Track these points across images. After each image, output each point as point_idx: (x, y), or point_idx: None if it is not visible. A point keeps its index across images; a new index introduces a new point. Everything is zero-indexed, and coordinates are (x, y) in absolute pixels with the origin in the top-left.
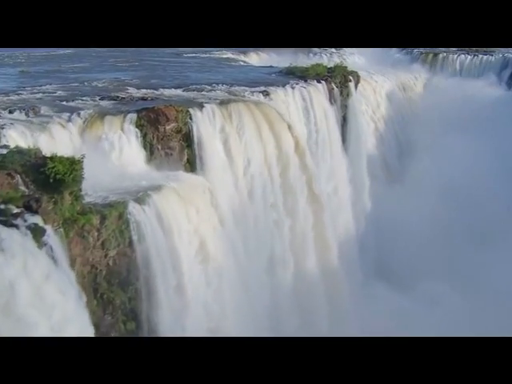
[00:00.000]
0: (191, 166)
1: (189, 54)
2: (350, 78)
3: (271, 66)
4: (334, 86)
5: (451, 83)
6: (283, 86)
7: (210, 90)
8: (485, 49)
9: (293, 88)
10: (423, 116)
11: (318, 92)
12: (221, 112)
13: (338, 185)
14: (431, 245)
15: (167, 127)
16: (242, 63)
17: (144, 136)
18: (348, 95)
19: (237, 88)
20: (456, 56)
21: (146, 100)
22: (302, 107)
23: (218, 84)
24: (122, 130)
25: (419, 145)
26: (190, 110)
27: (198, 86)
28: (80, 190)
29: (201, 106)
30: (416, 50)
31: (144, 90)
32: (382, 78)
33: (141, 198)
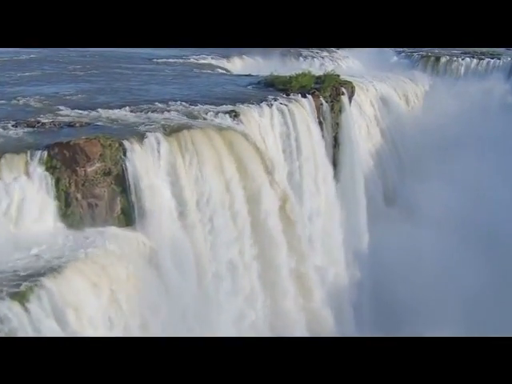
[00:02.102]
0: (127, 218)
1: (164, 59)
2: (343, 90)
3: (250, 75)
4: (323, 101)
5: (456, 90)
6: (259, 102)
7: (165, 111)
8: (491, 51)
9: (270, 106)
10: (427, 131)
11: (302, 110)
12: (169, 143)
13: (328, 224)
14: (448, 299)
15: (89, 169)
16: (220, 71)
17: (57, 182)
18: (340, 111)
19: (200, 107)
20: (460, 60)
21: (73, 126)
22: (282, 130)
23: (178, 101)
24: (27, 173)
25: (425, 167)
26: (125, 142)
27: (152, 105)
28: None
29: (141, 135)
30: (416, 54)
31: (80, 111)
32: (380, 86)
33: (24, 291)
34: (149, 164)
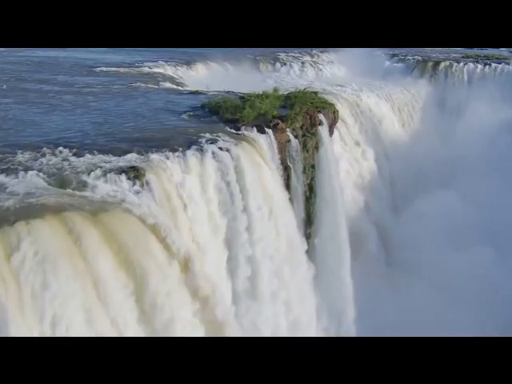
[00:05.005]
0: None
1: (111, 67)
2: (321, 117)
3: (197, 92)
4: (291, 136)
5: (460, 102)
6: (186, 147)
7: (22, 171)
8: (497, 55)
9: (202, 152)
10: (428, 157)
11: (255, 155)
12: None
13: (298, 311)
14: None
15: None
16: (167, 85)
17: None
18: (317, 148)
19: (86, 158)
20: (462, 65)
21: None
22: (219, 192)
23: (62, 146)
24: None
25: (430, 209)
26: None
27: (14, 158)
28: None
29: None
30: (412, 58)
31: None
32: (369, 98)
33: None
34: None
